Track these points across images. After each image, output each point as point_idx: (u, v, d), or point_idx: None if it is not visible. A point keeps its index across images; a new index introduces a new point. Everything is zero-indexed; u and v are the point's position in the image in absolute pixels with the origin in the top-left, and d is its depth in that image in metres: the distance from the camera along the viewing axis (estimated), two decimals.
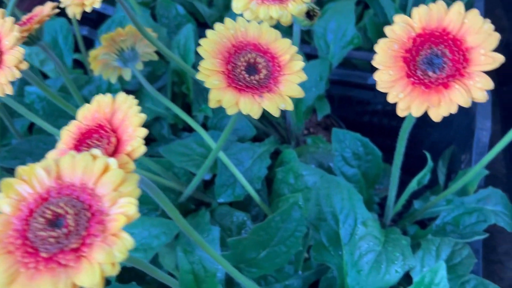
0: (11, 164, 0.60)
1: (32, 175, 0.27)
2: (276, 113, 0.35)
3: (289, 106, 0.36)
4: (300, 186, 0.58)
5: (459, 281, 0.53)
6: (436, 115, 0.31)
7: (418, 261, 0.55)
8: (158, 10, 0.77)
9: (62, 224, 0.26)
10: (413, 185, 0.60)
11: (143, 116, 0.29)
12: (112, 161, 0.27)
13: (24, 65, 0.36)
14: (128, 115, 0.29)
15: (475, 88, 0.30)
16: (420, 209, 0.62)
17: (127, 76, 0.61)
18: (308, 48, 0.74)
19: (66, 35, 0.77)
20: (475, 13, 0.31)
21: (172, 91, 0.73)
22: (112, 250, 0.24)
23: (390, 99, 0.32)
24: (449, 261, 0.56)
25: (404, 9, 0.77)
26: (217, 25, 0.37)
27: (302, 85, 0.66)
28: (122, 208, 0.25)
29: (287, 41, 0.38)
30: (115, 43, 0.57)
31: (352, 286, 0.46)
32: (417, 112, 0.31)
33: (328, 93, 0.82)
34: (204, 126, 0.74)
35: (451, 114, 0.80)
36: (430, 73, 0.31)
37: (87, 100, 0.69)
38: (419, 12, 0.32)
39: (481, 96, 0.30)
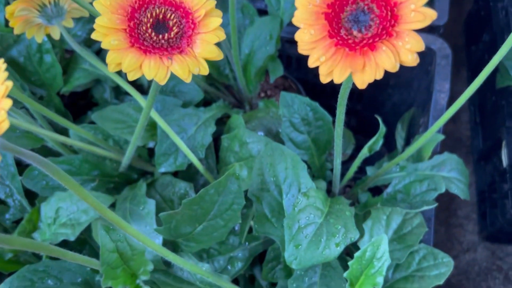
0: None
1: None
2: (187, 78, 0.31)
3: (204, 71, 0.32)
4: (245, 155, 0.54)
5: (408, 251, 0.51)
6: (361, 82, 0.27)
7: (367, 231, 0.53)
8: None
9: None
10: (364, 152, 0.57)
11: (9, 85, 0.24)
12: None
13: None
14: None
15: (404, 49, 0.26)
16: (372, 175, 0.59)
17: (56, 35, 0.55)
18: (262, 4, 0.69)
19: None
20: None
21: None
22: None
23: (311, 63, 0.28)
24: (398, 230, 0.53)
25: None
26: None
27: (251, 44, 0.61)
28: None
29: None
30: None
31: (289, 262, 0.44)
32: (339, 79, 0.28)
33: (285, 54, 0.77)
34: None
35: (412, 74, 0.77)
36: (355, 33, 0.27)
37: (16, 62, 0.64)
38: None
39: (411, 59, 0.26)
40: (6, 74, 0.25)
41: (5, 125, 0.23)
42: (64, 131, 0.60)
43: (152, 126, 0.58)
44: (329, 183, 0.61)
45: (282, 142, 0.58)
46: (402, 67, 0.63)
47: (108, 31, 0.30)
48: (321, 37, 0.28)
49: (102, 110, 0.56)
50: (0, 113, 0.23)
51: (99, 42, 0.72)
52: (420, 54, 0.63)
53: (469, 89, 0.45)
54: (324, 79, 0.28)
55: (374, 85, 0.71)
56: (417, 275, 0.52)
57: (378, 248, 0.43)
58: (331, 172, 0.65)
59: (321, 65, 0.28)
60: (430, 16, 0.26)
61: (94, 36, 0.30)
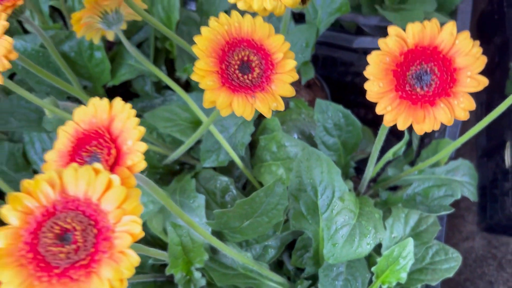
0: None
1: (37, 188, 0.28)
2: (268, 114, 0.37)
3: (280, 107, 0.37)
4: (283, 156, 0.60)
5: (423, 247, 0.59)
6: (420, 130, 0.33)
7: (388, 227, 0.60)
8: None
9: (71, 239, 0.27)
10: (388, 155, 0.63)
11: (142, 130, 0.30)
12: (115, 177, 0.28)
13: (14, 56, 0.35)
14: (127, 126, 0.30)
15: (459, 108, 0.32)
16: (393, 176, 0.66)
17: (110, 36, 0.60)
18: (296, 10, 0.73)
19: None
20: (466, 35, 0.32)
21: (155, 46, 0.72)
22: (119, 267, 0.26)
23: (378, 110, 0.34)
24: (415, 228, 0.60)
25: None
26: (212, 21, 0.36)
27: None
28: (127, 226, 0.27)
29: (281, 37, 0.38)
30: (99, 6, 0.55)
31: (327, 257, 0.51)
32: (402, 126, 0.33)
33: (313, 54, 0.82)
34: (188, 84, 0.74)
35: None
36: (418, 89, 0.33)
37: (67, 56, 0.68)
38: (413, 28, 0.33)
39: (464, 116, 0.32)
40: (137, 120, 0.30)
41: (142, 165, 0.29)
42: None
43: (197, 124, 0.63)
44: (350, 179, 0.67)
45: (315, 144, 0.65)
46: None
47: (204, 73, 0.35)
48: (388, 90, 0.34)
49: (154, 110, 0.61)
50: (136, 155, 0.29)
51: (137, 35, 0.75)
52: None
53: (493, 113, 0.51)
54: (388, 124, 0.34)
55: None
56: (430, 268, 0.59)
57: (404, 248, 0.50)
58: (354, 169, 0.71)
59: (387, 114, 0.34)
60: (483, 82, 0.32)
61: (193, 77, 0.35)
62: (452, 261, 0.59)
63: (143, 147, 0.29)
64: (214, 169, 0.65)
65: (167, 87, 0.73)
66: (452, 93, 0.32)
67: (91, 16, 0.55)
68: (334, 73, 0.83)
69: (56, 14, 0.76)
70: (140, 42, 0.74)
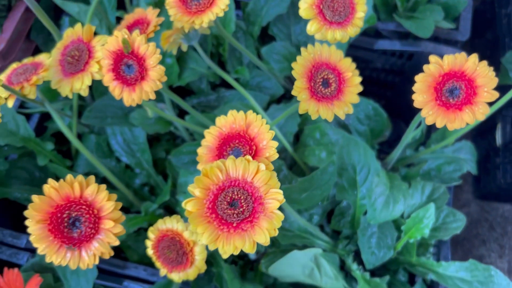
0: (94, 122, 0.74)
1: (212, 172, 0.43)
2: (343, 116, 0.52)
3: (350, 110, 0.52)
4: (325, 142, 0.75)
5: (437, 211, 0.75)
6: (451, 127, 0.48)
7: (409, 195, 0.76)
8: None
9: (238, 205, 0.42)
10: (408, 139, 0.78)
11: (273, 133, 0.44)
12: (262, 165, 0.43)
13: (164, 79, 0.49)
14: (261, 130, 0.45)
15: (479, 113, 0.48)
16: (411, 156, 0.82)
17: (185, 48, 0.73)
18: None
19: None
20: (484, 63, 0.47)
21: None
22: (272, 221, 0.41)
23: (423, 114, 0.49)
24: (430, 196, 0.77)
25: None
26: (302, 51, 0.51)
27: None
28: (273, 195, 0.42)
29: (348, 60, 0.53)
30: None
31: (369, 219, 0.67)
32: (440, 125, 0.49)
33: None
34: (237, 81, 0.88)
35: None
36: (451, 100, 0.48)
37: None
38: (448, 58, 0.48)
39: (482, 118, 0.48)
40: (268, 126, 0.45)
41: (275, 156, 0.44)
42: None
43: None
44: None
45: (349, 131, 0.80)
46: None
47: (300, 89, 0.50)
48: (430, 100, 0.49)
49: (222, 107, 0.75)
50: (271, 150, 0.44)
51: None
52: None
53: (494, 107, 0.66)
54: (429, 123, 0.49)
55: (406, 78, 0.94)
56: (442, 227, 0.75)
57: (427, 211, 0.67)
58: (376, 150, 0.87)
59: (429, 116, 0.49)
60: (495, 95, 0.47)
61: (293, 93, 0.49)
62: (459, 222, 0.76)
63: (275, 144, 0.44)
64: None
65: (220, 86, 0.88)
66: (474, 102, 0.48)
67: (176, 34, 0.68)
68: (356, 67, 0.98)
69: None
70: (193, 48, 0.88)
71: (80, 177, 0.42)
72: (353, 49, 0.92)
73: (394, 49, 0.87)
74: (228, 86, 0.84)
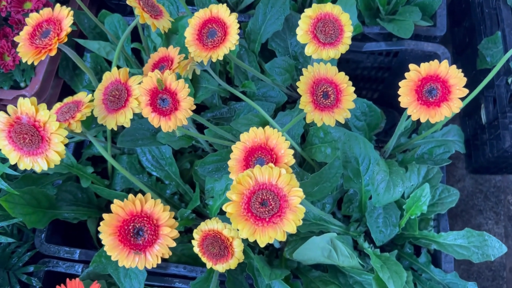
0: (128, 145, 0.84)
1: (243, 179, 0.53)
2: (342, 121, 0.62)
3: (348, 115, 0.63)
4: (329, 139, 0.86)
5: (433, 189, 0.86)
6: (433, 121, 0.59)
7: (407, 178, 0.87)
8: (196, 1, 0.96)
9: (267, 204, 0.53)
10: (401, 128, 0.89)
11: (288, 142, 0.55)
12: (282, 170, 0.53)
13: (194, 107, 0.60)
14: (279, 141, 0.55)
15: (454, 106, 0.58)
16: (405, 143, 0.92)
17: (198, 71, 0.84)
18: None
19: (124, 29, 0.96)
20: (454, 67, 0.58)
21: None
22: (296, 214, 0.52)
23: (408, 112, 0.60)
24: (426, 177, 0.87)
25: None
26: (304, 71, 0.61)
27: (320, 60, 0.90)
28: (295, 193, 0.53)
29: (342, 74, 0.63)
30: None
31: (374, 203, 0.77)
32: (423, 120, 0.59)
33: None
34: (244, 94, 0.99)
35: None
36: (430, 98, 0.59)
37: None
38: (424, 66, 0.58)
39: (457, 110, 0.58)
40: (284, 137, 0.55)
41: (293, 161, 0.54)
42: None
43: (265, 124, 0.88)
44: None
45: (349, 127, 0.90)
46: (416, 61, 0.95)
47: (305, 103, 0.60)
48: (413, 100, 0.59)
49: (236, 119, 0.86)
50: (289, 156, 0.54)
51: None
52: (428, 57, 0.96)
53: (476, 89, 0.76)
54: (414, 119, 0.60)
55: (394, 73, 1.05)
56: (439, 202, 0.86)
57: (423, 190, 0.77)
58: (375, 141, 0.98)
59: (413, 114, 0.59)
60: (465, 91, 0.58)
61: (300, 106, 0.60)
62: (453, 196, 0.87)
63: (292, 151, 0.55)
64: None
65: (230, 99, 0.98)
66: (449, 99, 0.58)
67: (192, 62, 0.79)
68: (348, 68, 1.08)
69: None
70: None
71: (140, 195, 0.53)
72: (344, 53, 1.02)
73: (380, 50, 0.97)
74: (238, 99, 0.95)
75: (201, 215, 0.90)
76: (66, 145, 0.93)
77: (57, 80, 0.96)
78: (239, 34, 1.00)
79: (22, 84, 0.90)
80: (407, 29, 0.91)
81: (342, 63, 1.06)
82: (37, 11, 0.86)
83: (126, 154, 0.92)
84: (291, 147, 0.88)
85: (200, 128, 0.91)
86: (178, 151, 0.95)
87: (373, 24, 0.99)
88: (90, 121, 0.87)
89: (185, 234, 0.90)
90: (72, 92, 0.99)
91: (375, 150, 0.89)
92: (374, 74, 1.08)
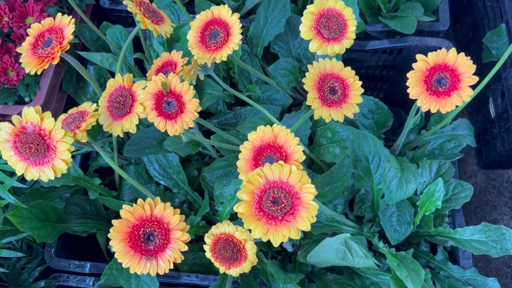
0: (135, 154, 0.84)
1: (253, 178, 0.52)
2: (351, 116, 0.61)
3: (357, 109, 0.62)
4: (337, 139, 0.85)
5: (446, 184, 0.84)
6: (444, 111, 0.58)
7: (418, 174, 0.85)
8: (197, 8, 0.96)
9: (279, 202, 0.52)
10: (410, 125, 0.88)
11: (297, 139, 0.54)
12: (293, 167, 0.52)
13: (199, 109, 0.59)
14: (288, 138, 0.54)
15: (464, 95, 0.57)
16: (415, 139, 0.91)
17: (202, 77, 0.83)
18: None
19: (125, 40, 0.96)
20: (462, 54, 0.57)
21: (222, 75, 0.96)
22: (309, 211, 0.51)
23: (418, 103, 0.58)
24: (438, 172, 0.86)
25: None
26: (309, 67, 0.61)
27: (324, 56, 0.89)
28: (307, 189, 0.52)
29: (348, 68, 0.62)
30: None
31: (387, 200, 0.76)
32: (434, 110, 0.58)
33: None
34: (249, 98, 0.98)
35: None
36: (439, 88, 0.58)
37: None
38: (432, 55, 0.57)
39: (468, 99, 0.57)
40: (293, 134, 0.54)
41: (303, 158, 0.53)
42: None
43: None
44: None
45: (356, 126, 0.89)
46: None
47: (312, 99, 0.59)
48: (422, 91, 0.58)
49: (242, 123, 0.85)
50: (299, 153, 0.53)
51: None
52: (433, 51, 0.93)
53: (483, 83, 0.74)
54: (424, 110, 0.59)
55: (398, 71, 1.04)
56: (453, 198, 0.84)
57: (437, 185, 0.76)
58: (383, 140, 0.96)
59: (423, 105, 0.58)
60: (475, 79, 0.56)
61: (307, 103, 0.59)
62: (467, 191, 0.85)
63: (301, 148, 0.54)
64: None
65: (235, 104, 0.97)
66: (459, 88, 0.57)
67: (195, 67, 0.78)
68: (352, 68, 1.07)
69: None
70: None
71: (149, 199, 0.52)
72: (348, 52, 1.01)
73: (384, 47, 0.97)
74: (243, 104, 0.94)
75: (211, 222, 0.89)
76: (72, 157, 0.93)
77: (61, 94, 0.96)
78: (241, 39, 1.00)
79: (27, 99, 0.90)
80: (410, 24, 0.90)
81: (346, 63, 1.04)
82: None
83: (133, 164, 0.91)
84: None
85: (206, 135, 0.90)
86: (185, 159, 0.94)
87: (375, 23, 0.98)
88: (96, 132, 0.86)
89: (196, 242, 0.89)
90: (77, 105, 0.98)
91: (385, 148, 0.88)
92: (378, 73, 1.08)
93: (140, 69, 1.02)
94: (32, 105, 0.90)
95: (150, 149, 0.85)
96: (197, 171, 0.92)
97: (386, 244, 0.83)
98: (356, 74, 1.11)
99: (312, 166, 0.92)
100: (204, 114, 0.98)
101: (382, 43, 0.96)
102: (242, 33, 0.99)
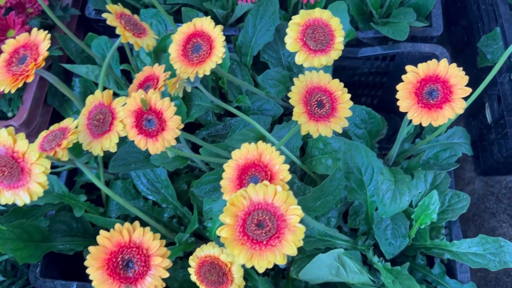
0: (120, 170, 0.81)
1: (237, 200, 0.50)
2: (340, 131, 0.59)
3: (346, 124, 0.59)
4: (329, 150, 0.82)
5: (442, 195, 0.81)
6: (436, 124, 0.55)
7: (413, 185, 0.83)
8: (184, 18, 0.94)
9: (264, 225, 0.49)
10: (403, 134, 0.85)
11: (283, 157, 0.51)
12: (278, 187, 0.50)
13: (181, 126, 0.57)
14: (273, 157, 0.52)
15: (457, 107, 0.54)
16: (409, 148, 0.89)
17: (189, 89, 0.81)
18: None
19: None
20: (454, 65, 0.54)
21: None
22: (295, 234, 0.48)
23: (409, 117, 0.56)
24: (433, 183, 0.83)
25: None
26: (295, 80, 0.58)
27: (312, 69, 0.87)
28: (293, 211, 0.49)
29: (336, 80, 0.60)
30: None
31: (381, 214, 0.73)
32: (425, 124, 0.56)
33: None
34: (239, 109, 0.96)
35: None
36: (431, 101, 0.55)
37: None
38: (422, 66, 0.55)
39: (461, 111, 0.55)
40: (278, 152, 0.52)
41: (289, 177, 0.51)
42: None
43: (261, 139, 0.84)
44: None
45: (349, 136, 0.87)
46: (414, 63, 0.91)
47: (299, 114, 0.57)
48: (413, 103, 0.56)
49: (231, 135, 0.82)
50: (284, 172, 0.51)
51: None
52: (426, 58, 0.92)
53: (479, 88, 0.72)
54: (416, 123, 0.56)
55: (392, 77, 1.01)
56: (449, 209, 0.82)
57: (432, 198, 0.73)
58: (377, 148, 0.94)
59: (415, 118, 0.56)
60: (468, 90, 0.54)
61: (293, 118, 0.57)
62: (464, 201, 0.82)
63: (287, 166, 0.51)
64: None
65: (225, 115, 0.95)
66: (451, 100, 0.55)
67: (181, 80, 0.76)
68: (345, 75, 1.05)
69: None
70: None
71: (127, 224, 0.50)
72: (339, 59, 0.97)
73: (376, 54, 0.94)
74: (233, 114, 0.92)
75: (202, 237, 0.86)
76: (58, 174, 0.90)
77: (46, 107, 0.94)
78: (230, 47, 0.98)
79: (10, 114, 0.88)
80: (402, 31, 0.88)
81: (338, 71, 1.03)
82: None
83: (121, 179, 0.89)
84: (290, 161, 0.85)
85: (196, 146, 0.87)
86: (174, 172, 0.91)
87: (367, 29, 0.96)
88: (80, 148, 0.83)
89: (186, 258, 0.86)
90: (62, 119, 0.96)
91: (379, 158, 0.86)
92: (372, 79, 1.05)
93: (128, 79, 0.99)
94: (16, 121, 0.88)
95: (137, 163, 0.82)
96: (186, 185, 0.90)
97: (381, 258, 0.80)
98: (348, 81, 1.10)
99: (305, 178, 0.89)
100: (193, 125, 0.96)
101: (374, 50, 0.94)
102: (230, 42, 0.98)
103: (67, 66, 0.90)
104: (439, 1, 0.96)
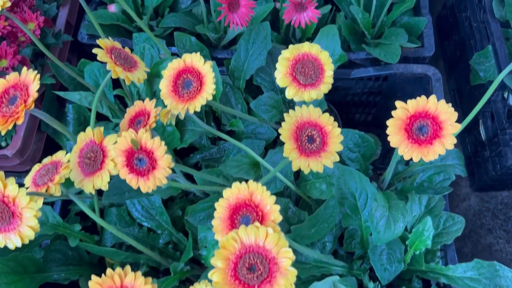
0: (114, 199, 0.81)
1: (228, 243, 0.50)
2: (331, 165, 0.59)
3: (337, 158, 0.59)
4: (323, 174, 0.82)
5: (436, 218, 0.82)
6: (427, 160, 0.55)
7: (408, 209, 0.83)
8: (177, 42, 0.94)
9: (256, 268, 0.49)
10: (397, 157, 0.85)
11: (274, 197, 0.52)
12: (269, 229, 0.50)
13: (172, 165, 0.57)
14: (264, 197, 0.52)
15: (447, 143, 0.55)
16: (403, 171, 0.89)
17: (182, 117, 0.81)
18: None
19: (104, 77, 0.94)
20: (443, 101, 0.54)
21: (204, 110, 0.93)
22: (287, 277, 0.48)
23: (400, 152, 0.56)
24: (427, 206, 0.83)
25: (369, 10, 0.97)
26: (285, 116, 0.58)
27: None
28: (285, 254, 0.49)
29: (326, 115, 0.60)
30: None
31: (375, 241, 0.73)
32: (416, 159, 0.56)
33: None
34: (232, 132, 0.96)
35: (413, 90, 1.04)
36: (421, 136, 0.55)
37: None
38: (412, 103, 0.55)
39: (451, 147, 0.55)
40: (269, 192, 0.52)
41: (280, 218, 0.51)
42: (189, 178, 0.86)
43: (254, 165, 0.84)
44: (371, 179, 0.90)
45: (342, 160, 0.87)
46: (407, 84, 0.94)
47: (290, 150, 0.57)
48: (403, 139, 0.56)
49: (224, 162, 0.82)
50: (275, 213, 0.51)
51: None
52: (419, 77, 0.93)
53: (477, 107, 0.71)
54: (407, 158, 0.56)
55: (385, 96, 1.02)
56: (444, 232, 0.82)
57: (426, 224, 0.73)
58: (371, 170, 0.94)
59: (405, 154, 0.56)
60: (458, 127, 0.54)
61: (284, 154, 0.57)
62: (458, 224, 0.82)
63: (278, 207, 0.51)
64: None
65: (219, 139, 0.95)
66: (441, 135, 0.55)
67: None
68: (337, 96, 1.05)
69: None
70: None
71: (118, 270, 0.50)
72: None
73: (369, 75, 0.94)
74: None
75: (198, 262, 0.86)
76: (52, 203, 0.90)
77: (40, 134, 0.94)
78: (222, 71, 0.98)
79: (3, 144, 0.88)
80: (394, 53, 0.88)
81: (331, 92, 1.02)
82: (13, 68, 0.84)
83: (115, 206, 0.88)
84: (285, 186, 0.85)
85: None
86: (168, 198, 0.91)
87: (359, 50, 0.96)
88: None
89: (183, 284, 0.86)
90: (56, 145, 0.96)
91: (373, 181, 0.86)
92: (365, 98, 1.05)
93: (123, 104, 0.99)
94: (9, 150, 0.88)
95: (131, 192, 0.82)
96: (181, 210, 0.90)
97: (377, 282, 0.80)
98: (342, 101, 1.10)
99: (300, 202, 0.89)
100: (188, 149, 0.96)
101: (367, 71, 0.94)
102: (223, 65, 0.98)
103: (60, 93, 0.90)
104: (430, 21, 0.97)
